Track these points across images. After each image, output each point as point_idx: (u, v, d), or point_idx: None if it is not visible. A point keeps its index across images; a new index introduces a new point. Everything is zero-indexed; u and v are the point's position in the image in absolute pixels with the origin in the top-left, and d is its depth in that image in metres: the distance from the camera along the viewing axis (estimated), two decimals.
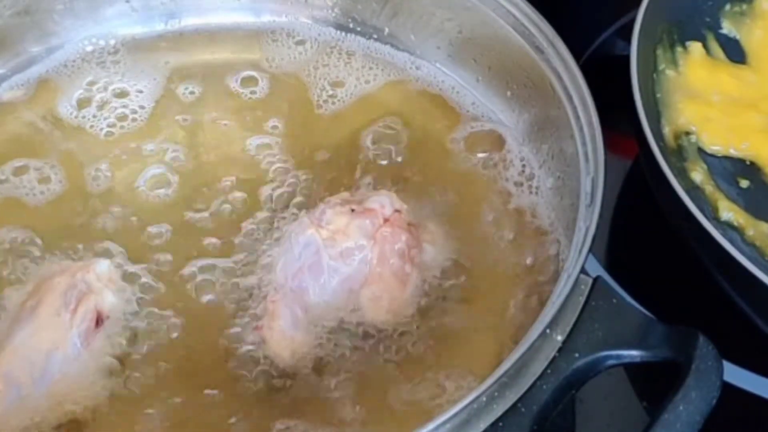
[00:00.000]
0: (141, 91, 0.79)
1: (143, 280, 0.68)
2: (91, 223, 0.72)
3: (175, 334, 0.66)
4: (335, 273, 0.65)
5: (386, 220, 0.66)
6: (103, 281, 0.66)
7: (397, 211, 0.67)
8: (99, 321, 0.65)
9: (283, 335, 0.63)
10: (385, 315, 0.65)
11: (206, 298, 0.67)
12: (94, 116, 0.78)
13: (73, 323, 0.64)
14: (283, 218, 0.70)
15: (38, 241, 0.70)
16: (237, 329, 0.65)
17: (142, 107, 0.78)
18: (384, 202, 0.67)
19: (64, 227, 0.72)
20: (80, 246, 0.70)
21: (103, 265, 0.67)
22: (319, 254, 0.65)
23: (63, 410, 0.62)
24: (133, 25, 0.84)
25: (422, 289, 0.66)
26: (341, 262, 0.65)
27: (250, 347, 0.64)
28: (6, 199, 0.74)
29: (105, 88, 0.80)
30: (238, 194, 0.73)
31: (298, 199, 0.72)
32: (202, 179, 0.74)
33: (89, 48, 0.82)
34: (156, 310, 0.66)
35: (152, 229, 0.71)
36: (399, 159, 0.74)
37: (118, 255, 0.69)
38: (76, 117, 0.78)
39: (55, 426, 0.61)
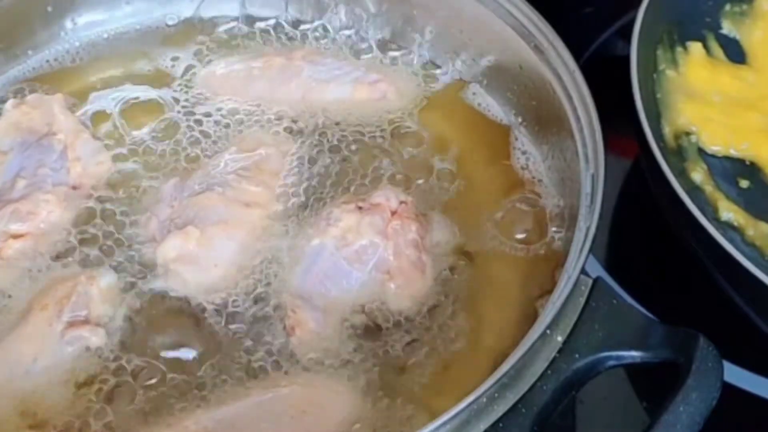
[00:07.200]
0: None
1: (152, 301, 0.66)
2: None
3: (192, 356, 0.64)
4: (354, 272, 0.65)
5: (394, 213, 0.67)
6: (105, 296, 0.65)
7: (402, 202, 0.68)
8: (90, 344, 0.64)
9: (312, 335, 0.63)
10: (409, 302, 0.65)
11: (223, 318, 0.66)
12: None
13: (63, 338, 0.63)
14: (294, 219, 0.70)
15: None
16: (258, 343, 0.64)
17: None
18: (389, 195, 0.68)
19: None
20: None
21: (110, 279, 0.66)
22: (333, 257, 0.65)
23: (28, 416, 0.61)
24: None
25: (436, 275, 0.67)
26: (357, 262, 0.65)
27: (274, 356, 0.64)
28: None
29: None
30: None
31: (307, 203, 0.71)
32: None
33: None
34: (157, 334, 0.65)
35: None
36: (399, 157, 0.75)
37: (125, 270, 0.68)
38: None
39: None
